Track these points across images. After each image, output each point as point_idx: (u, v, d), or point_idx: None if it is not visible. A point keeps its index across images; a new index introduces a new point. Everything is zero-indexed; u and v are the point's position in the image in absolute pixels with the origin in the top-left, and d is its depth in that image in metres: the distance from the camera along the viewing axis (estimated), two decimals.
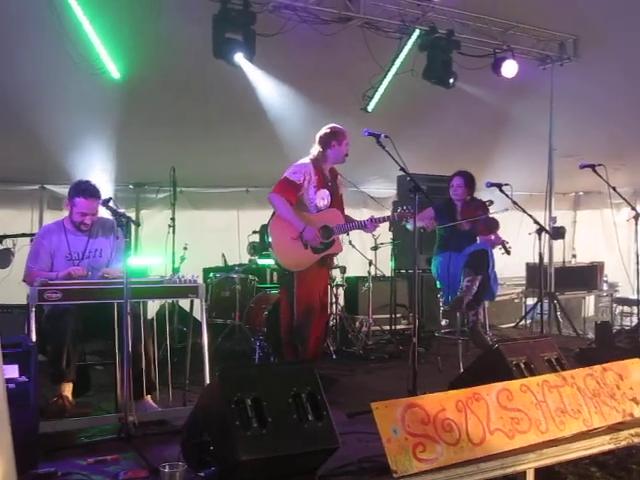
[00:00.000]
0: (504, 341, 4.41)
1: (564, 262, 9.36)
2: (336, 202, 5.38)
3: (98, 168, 7.35)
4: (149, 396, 4.23)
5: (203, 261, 7.59)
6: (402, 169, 4.41)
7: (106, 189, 7.46)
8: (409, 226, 6.23)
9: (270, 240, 5.22)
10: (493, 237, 6.03)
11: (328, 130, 5.29)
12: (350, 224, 5.31)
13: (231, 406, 2.97)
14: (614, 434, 3.89)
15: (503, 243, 5.97)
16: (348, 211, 5.63)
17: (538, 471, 3.76)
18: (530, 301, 8.76)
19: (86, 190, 4.52)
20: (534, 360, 4.07)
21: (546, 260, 8.34)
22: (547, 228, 7.76)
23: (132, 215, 8.20)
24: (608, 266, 9.72)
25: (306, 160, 5.27)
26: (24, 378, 3.32)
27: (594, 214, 11.70)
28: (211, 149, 7.92)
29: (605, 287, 9.92)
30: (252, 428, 2.97)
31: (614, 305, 9.18)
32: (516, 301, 9.23)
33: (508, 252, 5.95)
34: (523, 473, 3.58)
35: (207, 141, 7.79)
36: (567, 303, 9.50)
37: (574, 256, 10.46)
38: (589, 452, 3.81)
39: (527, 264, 8.94)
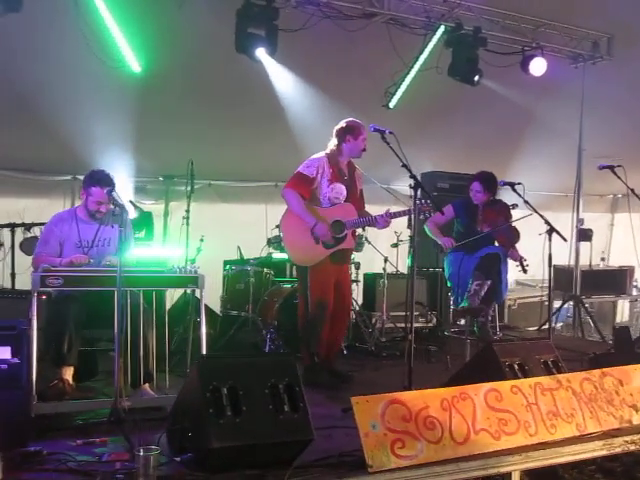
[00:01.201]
0: (500, 341, 4.36)
1: (590, 265, 9.15)
2: (353, 197, 5.31)
3: (128, 161, 7.52)
4: (147, 384, 4.31)
5: (229, 254, 7.68)
6: (404, 165, 4.38)
7: (130, 182, 7.69)
8: (427, 228, 6.21)
9: (282, 235, 5.30)
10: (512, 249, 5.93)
11: (344, 124, 5.25)
12: (362, 219, 5.19)
13: (206, 394, 3.02)
14: (608, 440, 3.81)
15: (521, 260, 5.84)
16: (376, 208, 5.49)
17: (531, 473, 3.73)
18: (557, 304, 8.59)
19: (101, 179, 4.64)
20: (529, 362, 4.02)
21: (572, 263, 8.21)
22: (574, 230, 7.66)
23: (161, 207, 8.35)
24: None
25: (321, 154, 5.26)
26: (16, 360, 3.43)
27: (634, 217, 11.38)
28: (239, 143, 8.00)
29: (635, 292, 9.67)
30: (226, 416, 3.01)
31: None
32: (546, 304, 9.07)
33: (525, 270, 5.82)
34: (509, 475, 3.55)
35: (235, 135, 7.87)
36: (600, 308, 9.29)
37: (603, 259, 10.22)
38: (579, 457, 3.75)
39: (554, 266, 8.76)
